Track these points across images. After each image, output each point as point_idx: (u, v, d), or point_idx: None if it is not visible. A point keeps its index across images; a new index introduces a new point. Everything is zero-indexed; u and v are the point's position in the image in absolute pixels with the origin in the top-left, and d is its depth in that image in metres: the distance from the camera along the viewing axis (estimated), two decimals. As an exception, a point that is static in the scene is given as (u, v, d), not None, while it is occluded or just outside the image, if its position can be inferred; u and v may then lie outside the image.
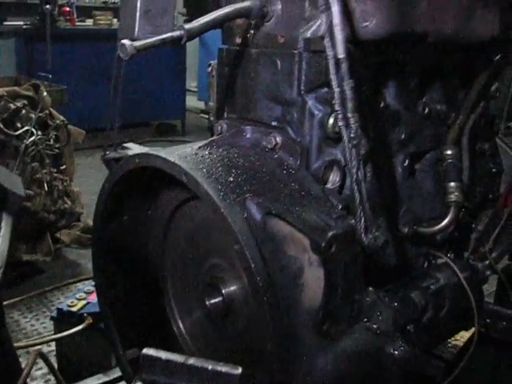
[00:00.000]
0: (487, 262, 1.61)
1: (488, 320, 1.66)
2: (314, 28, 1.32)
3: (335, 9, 1.21)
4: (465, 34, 1.59)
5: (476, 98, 1.84)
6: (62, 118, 4.06)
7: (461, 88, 1.88)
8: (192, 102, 9.78)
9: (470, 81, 1.88)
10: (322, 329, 1.27)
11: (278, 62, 1.51)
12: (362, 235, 1.24)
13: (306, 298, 1.30)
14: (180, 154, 1.48)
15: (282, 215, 1.27)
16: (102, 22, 7.59)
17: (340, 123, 1.25)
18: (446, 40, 1.54)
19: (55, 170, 3.97)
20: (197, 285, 1.72)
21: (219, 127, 1.69)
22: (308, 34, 1.34)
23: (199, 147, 1.53)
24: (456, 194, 1.73)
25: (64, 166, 4.08)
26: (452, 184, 1.74)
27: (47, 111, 3.96)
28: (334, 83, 1.23)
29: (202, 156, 1.48)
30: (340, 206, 1.46)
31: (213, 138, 1.59)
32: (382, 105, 1.61)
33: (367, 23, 1.36)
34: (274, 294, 1.25)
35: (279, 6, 1.49)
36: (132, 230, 1.84)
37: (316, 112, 1.47)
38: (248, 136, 1.59)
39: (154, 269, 1.90)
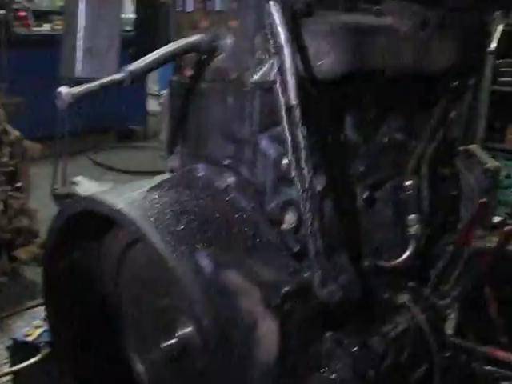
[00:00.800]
0: (448, 300, 1.58)
1: (448, 353, 1.63)
2: (264, 70, 1.26)
3: (286, 52, 1.15)
4: (423, 65, 1.56)
5: (435, 125, 1.82)
6: (17, 133, 3.91)
7: (420, 116, 1.85)
8: (154, 106, 9.60)
9: (430, 108, 1.85)
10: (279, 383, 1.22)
11: (229, 98, 1.44)
12: (318, 289, 1.19)
13: (262, 352, 1.24)
14: (127, 199, 1.41)
15: (233, 268, 1.21)
16: (60, 26, 7.36)
17: (293, 173, 1.19)
18: (404, 73, 1.50)
19: (10, 188, 3.83)
20: (152, 325, 1.66)
21: (171, 164, 1.62)
22: (258, 77, 1.28)
23: (149, 189, 1.46)
24: (415, 226, 1.69)
25: (19, 184, 3.93)
26: (411, 217, 1.71)
27: (1, 127, 3.81)
28: (286, 131, 1.17)
29: (151, 201, 1.40)
30: (297, 248, 1.41)
31: (163, 179, 1.52)
32: (341, 138, 1.56)
33: (322, 62, 1.30)
34: (226, 350, 1.20)
35: (230, 41, 1.42)
36: (84, 267, 1.76)
37: (269, 152, 1.41)
38: (200, 175, 1.52)
39: (109, 306, 1.82)
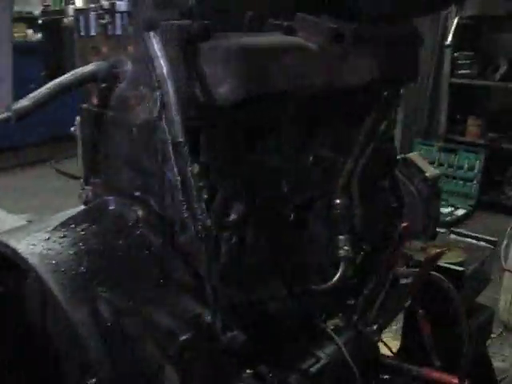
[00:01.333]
0: (375, 327, 1.52)
1: (386, 376, 1.58)
2: (149, 105, 1.18)
3: (169, 87, 1.08)
4: (341, 81, 1.49)
5: (364, 141, 1.75)
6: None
7: (349, 131, 1.78)
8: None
9: (358, 124, 1.80)
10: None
11: (134, 129, 1.37)
12: (220, 335, 1.12)
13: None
14: (30, 240, 1.33)
15: (133, 315, 1.14)
16: (15, 34, 7.19)
17: (185, 214, 1.12)
18: (317, 91, 1.44)
19: None
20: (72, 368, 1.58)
21: (84, 196, 1.54)
22: (144, 114, 1.20)
23: (54, 228, 1.38)
24: (345, 248, 1.64)
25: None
26: (341, 237, 1.66)
27: None
28: (174, 171, 1.10)
29: (55, 241, 1.33)
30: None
31: (72, 215, 1.44)
32: (258, 161, 1.49)
33: (219, 88, 1.23)
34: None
35: (129, 67, 1.34)
36: (12, 301, 1.67)
37: (177, 184, 1.33)
38: (111, 208, 1.44)
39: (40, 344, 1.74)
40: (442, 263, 1.86)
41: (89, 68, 1.32)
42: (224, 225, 1.45)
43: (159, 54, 1.08)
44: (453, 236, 2.13)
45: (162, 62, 1.08)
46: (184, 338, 1.07)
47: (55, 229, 1.38)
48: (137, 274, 1.27)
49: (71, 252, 1.29)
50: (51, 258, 1.27)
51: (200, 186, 1.35)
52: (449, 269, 1.84)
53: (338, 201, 1.70)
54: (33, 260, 1.25)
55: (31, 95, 1.24)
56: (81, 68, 1.32)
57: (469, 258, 1.96)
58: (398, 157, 2.13)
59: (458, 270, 1.82)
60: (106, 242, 1.33)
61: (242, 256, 1.52)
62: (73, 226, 1.39)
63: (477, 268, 1.91)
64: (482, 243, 2.07)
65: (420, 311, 1.60)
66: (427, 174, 2.08)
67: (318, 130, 1.72)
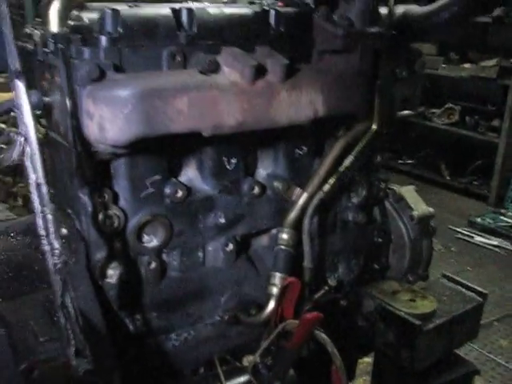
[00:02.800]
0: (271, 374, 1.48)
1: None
2: (14, 148, 1.25)
3: (32, 135, 1.15)
4: (264, 120, 1.45)
5: (324, 174, 1.69)
6: None
7: (303, 164, 1.73)
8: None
9: (315, 156, 1.73)
10: None
11: (61, 150, 1.47)
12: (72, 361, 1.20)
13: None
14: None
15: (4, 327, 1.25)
16: None
17: (45, 247, 1.19)
18: (230, 130, 1.42)
19: None
20: None
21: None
22: (7, 156, 1.28)
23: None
24: (277, 287, 1.60)
25: None
26: (276, 274, 1.62)
27: None
28: (37, 209, 1.17)
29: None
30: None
31: (13, 223, 1.59)
32: (181, 194, 1.51)
33: (107, 130, 1.28)
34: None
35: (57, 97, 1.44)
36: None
37: (89, 208, 1.42)
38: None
39: None
40: (403, 312, 1.74)
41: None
42: (139, 250, 1.51)
43: (23, 101, 1.15)
44: (443, 281, 1.96)
45: (25, 107, 1.15)
46: (34, 358, 1.16)
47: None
48: (31, 288, 1.37)
49: (-11, 259, 1.43)
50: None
51: (108, 214, 1.44)
52: (403, 320, 1.72)
53: (283, 236, 1.66)
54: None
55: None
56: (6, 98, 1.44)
57: (445, 308, 1.80)
58: (395, 188, 2.02)
59: (412, 324, 1.69)
60: (18, 254, 1.46)
61: (160, 281, 1.57)
62: (12, 234, 1.54)
63: (447, 322, 1.75)
64: (471, 294, 1.89)
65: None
66: (415, 213, 1.93)
67: (268, 160, 1.69)
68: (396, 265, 2.01)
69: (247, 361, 1.55)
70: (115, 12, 1.34)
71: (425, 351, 1.74)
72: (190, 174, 1.59)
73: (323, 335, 1.36)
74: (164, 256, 1.58)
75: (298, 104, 1.49)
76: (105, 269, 1.48)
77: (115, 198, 1.45)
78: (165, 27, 1.40)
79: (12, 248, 1.50)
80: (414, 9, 1.75)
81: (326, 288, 1.86)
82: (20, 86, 1.15)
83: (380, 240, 1.99)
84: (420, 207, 1.95)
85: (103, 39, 1.33)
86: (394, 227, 1.99)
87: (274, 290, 1.62)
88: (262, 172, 1.69)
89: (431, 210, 1.97)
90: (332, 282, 1.87)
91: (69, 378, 1.21)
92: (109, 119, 1.27)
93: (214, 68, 1.40)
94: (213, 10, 1.51)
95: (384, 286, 1.89)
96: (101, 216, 1.42)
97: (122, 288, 1.50)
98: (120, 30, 1.35)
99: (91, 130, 1.30)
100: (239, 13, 1.54)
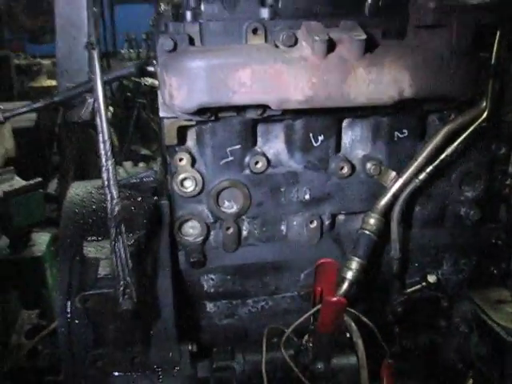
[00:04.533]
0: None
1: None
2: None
3: (98, 94, 1.31)
4: (336, 99, 1.41)
5: (423, 161, 1.57)
6: None
7: (408, 147, 1.62)
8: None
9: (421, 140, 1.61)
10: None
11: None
12: (120, 298, 1.36)
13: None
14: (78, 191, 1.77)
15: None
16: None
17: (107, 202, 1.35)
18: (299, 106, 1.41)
19: None
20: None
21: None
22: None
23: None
24: (353, 270, 1.55)
25: None
26: (354, 259, 1.57)
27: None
28: (102, 163, 1.33)
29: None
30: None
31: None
32: (260, 165, 1.56)
33: (175, 98, 1.38)
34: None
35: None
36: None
37: (172, 169, 1.56)
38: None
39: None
40: (498, 324, 1.54)
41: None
42: (219, 214, 1.60)
43: (96, 68, 1.30)
44: None
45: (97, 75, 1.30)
46: (87, 293, 1.36)
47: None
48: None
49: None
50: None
51: (186, 176, 1.56)
52: (495, 333, 1.51)
53: (371, 220, 1.59)
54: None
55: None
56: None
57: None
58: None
59: (503, 339, 1.48)
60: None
61: (237, 247, 1.65)
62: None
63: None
64: None
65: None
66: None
67: (351, 137, 1.63)
68: (515, 271, 1.77)
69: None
70: (198, -11, 1.43)
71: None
72: (278, 147, 1.61)
73: (352, 323, 1.29)
74: (245, 224, 1.65)
75: (379, 82, 1.41)
76: (183, 226, 1.61)
77: (194, 163, 1.56)
78: (247, 2, 1.44)
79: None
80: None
81: (424, 284, 1.75)
82: (94, 56, 1.32)
83: (500, 242, 1.77)
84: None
85: (187, 14, 1.43)
86: (517, 229, 1.75)
87: (349, 274, 1.57)
88: (355, 152, 1.64)
89: None
90: (431, 278, 1.73)
91: (114, 312, 1.38)
92: (176, 88, 1.37)
93: (291, 42, 1.40)
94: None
95: (492, 294, 1.69)
96: (180, 177, 1.54)
97: (198, 247, 1.62)
98: (203, 5, 1.43)
99: (165, 97, 1.42)
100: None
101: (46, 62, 6.08)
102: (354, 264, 1.57)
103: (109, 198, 1.36)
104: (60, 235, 1.59)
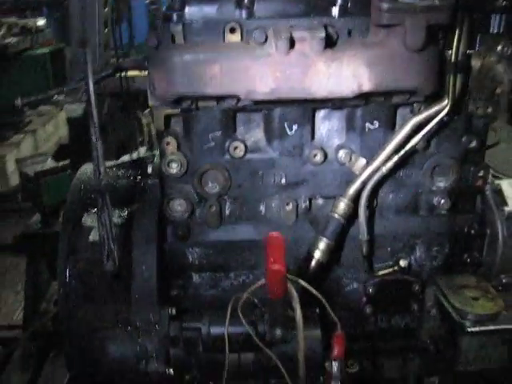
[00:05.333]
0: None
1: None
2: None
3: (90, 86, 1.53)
4: (298, 91, 1.57)
5: (390, 152, 1.69)
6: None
7: (378, 138, 1.74)
8: None
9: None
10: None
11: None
12: (104, 260, 1.58)
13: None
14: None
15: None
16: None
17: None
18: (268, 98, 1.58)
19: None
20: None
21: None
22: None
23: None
24: (321, 250, 1.70)
25: None
26: (323, 239, 1.71)
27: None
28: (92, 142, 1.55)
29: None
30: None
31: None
32: (239, 151, 1.74)
33: (156, 89, 1.59)
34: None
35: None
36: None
37: (162, 152, 1.77)
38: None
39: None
40: (453, 306, 1.63)
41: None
42: (202, 194, 1.79)
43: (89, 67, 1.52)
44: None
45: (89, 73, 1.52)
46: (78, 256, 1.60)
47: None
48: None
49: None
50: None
51: (171, 158, 1.75)
52: (449, 315, 1.60)
53: (340, 205, 1.73)
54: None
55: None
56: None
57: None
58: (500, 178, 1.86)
59: (454, 321, 1.57)
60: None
61: (219, 224, 1.83)
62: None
63: (506, 330, 1.57)
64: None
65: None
66: (507, 209, 1.76)
67: (325, 127, 1.77)
68: (487, 262, 1.84)
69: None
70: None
71: (472, 354, 1.62)
72: (257, 135, 1.78)
73: (293, 291, 1.43)
74: (227, 204, 1.82)
75: (339, 76, 1.55)
76: (171, 203, 1.80)
77: (180, 146, 1.75)
78: (226, 4, 1.62)
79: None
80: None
81: (396, 268, 1.86)
82: (87, 53, 1.54)
83: (473, 231, 1.85)
84: (516, 202, 1.75)
85: (173, 15, 1.63)
86: (489, 220, 1.83)
87: (317, 253, 1.72)
88: (331, 141, 1.77)
89: (532, 207, 1.75)
90: (403, 263, 1.84)
91: (99, 273, 1.61)
92: (157, 79, 1.58)
93: (262, 40, 1.56)
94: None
95: (459, 279, 1.79)
96: (168, 159, 1.74)
97: (184, 222, 1.81)
98: (186, 7, 1.62)
99: (150, 87, 1.62)
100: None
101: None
102: (322, 244, 1.72)
103: (96, 173, 1.59)
104: (65, 208, 1.83)
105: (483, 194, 1.84)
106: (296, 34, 1.53)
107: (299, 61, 1.54)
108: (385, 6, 1.49)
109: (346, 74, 1.55)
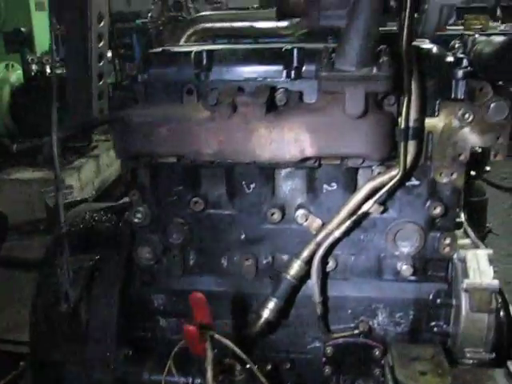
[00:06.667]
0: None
1: None
2: None
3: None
4: (242, 155, 1.62)
5: (345, 215, 1.67)
6: None
7: (336, 199, 1.73)
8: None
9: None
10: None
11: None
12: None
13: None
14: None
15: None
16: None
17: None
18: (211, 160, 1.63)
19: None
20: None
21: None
22: None
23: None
24: (269, 309, 1.71)
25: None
26: (273, 300, 1.72)
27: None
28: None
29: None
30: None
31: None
32: (200, 206, 1.79)
33: (116, 147, 1.70)
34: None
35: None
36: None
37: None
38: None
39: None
40: (400, 382, 1.57)
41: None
42: (166, 244, 1.86)
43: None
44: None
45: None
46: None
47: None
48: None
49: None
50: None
51: (136, 209, 1.85)
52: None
53: (293, 266, 1.73)
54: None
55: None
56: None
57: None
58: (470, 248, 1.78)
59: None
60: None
61: (182, 273, 1.89)
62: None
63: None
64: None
65: None
66: (467, 281, 1.67)
67: (285, 187, 1.78)
68: (452, 333, 1.76)
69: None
70: (148, 54, 1.73)
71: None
72: (219, 190, 1.82)
73: (209, 351, 1.44)
74: (191, 254, 1.88)
75: (281, 142, 1.57)
76: (140, 250, 1.89)
77: (146, 198, 1.83)
78: (185, 66, 1.70)
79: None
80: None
81: (355, 332, 1.82)
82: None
83: (439, 300, 1.77)
84: (480, 277, 1.65)
85: (138, 75, 1.73)
86: (455, 291, 1.74)
87: (265, 313, 1.73)
88: (292, 200, 1.78)
89: (495, 282, 1.64)
90: (364, 326, 1.81)
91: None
92: (116, 137, 1.69)
93: (213, 103, 1.62)
94: (242, 46, 1.73)
95: (414, 350, 1.71)
96: (134, 209, 1.83)
97: (150, 269, 1.89)
98: (150, 69, 1.72)
99: (113, 144, 1.73)
100: (263, 50, 1.70)
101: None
102: (271, 304, 1.73)
103: (57, 222, 1.72)
104: (45, 251, 1.98)
105: (451, 262, 1.77)
106: (238, 99, 1.57)
107: (241, 126, 1.58)
108: (323, 74, 1.50)
109: (287, 140, 1.57)
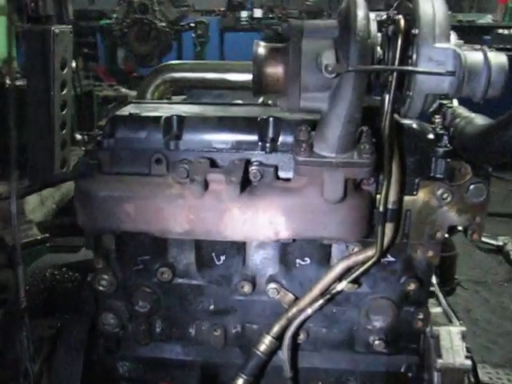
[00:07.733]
0: None
1: None
2: None
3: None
4: (213, 234, 1.55)
5: (318, 293, 1.62)
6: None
7: (309, 275, 1.68)
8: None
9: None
10: None
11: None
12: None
13: None
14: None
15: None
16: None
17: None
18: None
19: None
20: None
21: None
22: None
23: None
24: None
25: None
26: (242, 376, 1.65)
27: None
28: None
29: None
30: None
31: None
32: (166, 276, 1.71)
33: (79, 219, 1.59)
34: None
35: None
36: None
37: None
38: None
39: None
40: None
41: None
42: (132, 312, 1.78)
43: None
44: None
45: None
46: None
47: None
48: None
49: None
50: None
51: (101, 277, 1.75)
52: None
53: (263, 341, 1.67)
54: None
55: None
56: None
57: None
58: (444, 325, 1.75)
59: None
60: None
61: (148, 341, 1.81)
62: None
63: None
64: None
65: None
66: (439, 361, 1.64)
67: (257, 259, 1.72)
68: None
69: None
70: (114, 118, 1.62)
71: None
72: (188, 260, 1.74)
73: None
74: (158, 322, 1.80)
75: (255, 223, 1.50)
76: (104, 316, 1.80)
77: (111, 265, 1.74)
78: (154, 134, 1.60)
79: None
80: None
81: (327, 405, 1.79)
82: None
83: (410, 374, 1.75)
84: (453, 356, 1.63)
85: (104, 141, 1.63)
86: (427, 366, 1.72)
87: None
88: (264, 272, 1.71)
89: (468, 363, 1.63)
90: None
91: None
92: (79, 210, 1.58)
93: (183, 176, 1.53)
94: (215, 113, 1.65)
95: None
96: (98, 276, 1.74)
97: (115, 336, 1.81)
98: (116, 134, 1.61)
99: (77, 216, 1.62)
100: (236, 119, 1.62)
101: (133, 92, 6.54)
102: (241, 381, 1.67)
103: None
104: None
105: (420, 336, 1.74)
106: (211, 177, 1.49)
107: (213, 205, 1.50)
108: (300, 159, 1.42)
109: (262, 221, 1.50)
